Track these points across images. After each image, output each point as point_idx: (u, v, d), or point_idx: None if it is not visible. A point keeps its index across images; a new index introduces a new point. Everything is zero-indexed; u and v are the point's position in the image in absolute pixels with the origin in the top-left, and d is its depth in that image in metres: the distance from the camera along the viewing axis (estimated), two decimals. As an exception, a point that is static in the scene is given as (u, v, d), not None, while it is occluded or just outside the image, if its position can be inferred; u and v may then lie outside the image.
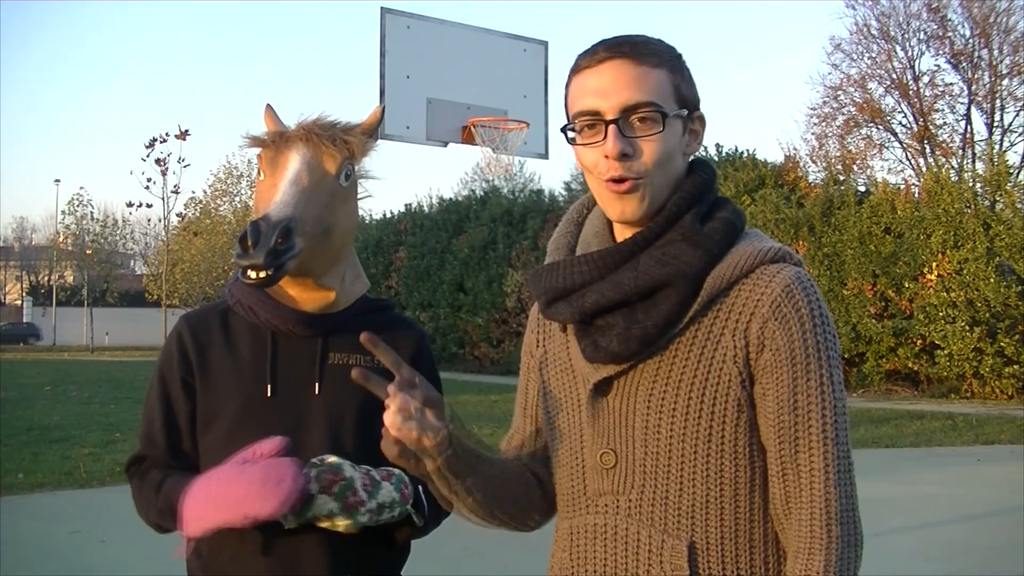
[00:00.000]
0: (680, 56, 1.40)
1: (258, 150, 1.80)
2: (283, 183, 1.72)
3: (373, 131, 1.88)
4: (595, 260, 1.37)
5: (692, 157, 1.44)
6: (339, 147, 1.77)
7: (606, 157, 1.34)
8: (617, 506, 1.37)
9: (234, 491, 1.60)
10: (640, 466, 1.35)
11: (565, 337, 1.47)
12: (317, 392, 1.78)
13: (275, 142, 1.77)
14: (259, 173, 1.81)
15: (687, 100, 1.38)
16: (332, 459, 1.65)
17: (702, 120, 1.43)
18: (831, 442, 1.29)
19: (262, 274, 1.63)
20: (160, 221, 12.49)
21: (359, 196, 1.87)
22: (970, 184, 19.77)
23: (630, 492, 1.36)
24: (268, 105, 1.90)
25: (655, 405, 1.34)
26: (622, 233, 1.42)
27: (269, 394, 1.77)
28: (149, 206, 13.30)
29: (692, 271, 1.32)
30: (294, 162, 1.74)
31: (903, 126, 28.55)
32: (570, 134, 1.39)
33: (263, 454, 1.63)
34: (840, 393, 1.32)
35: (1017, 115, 27.42)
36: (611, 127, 1.33)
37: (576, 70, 1.38)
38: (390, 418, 1.29)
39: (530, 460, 1.52)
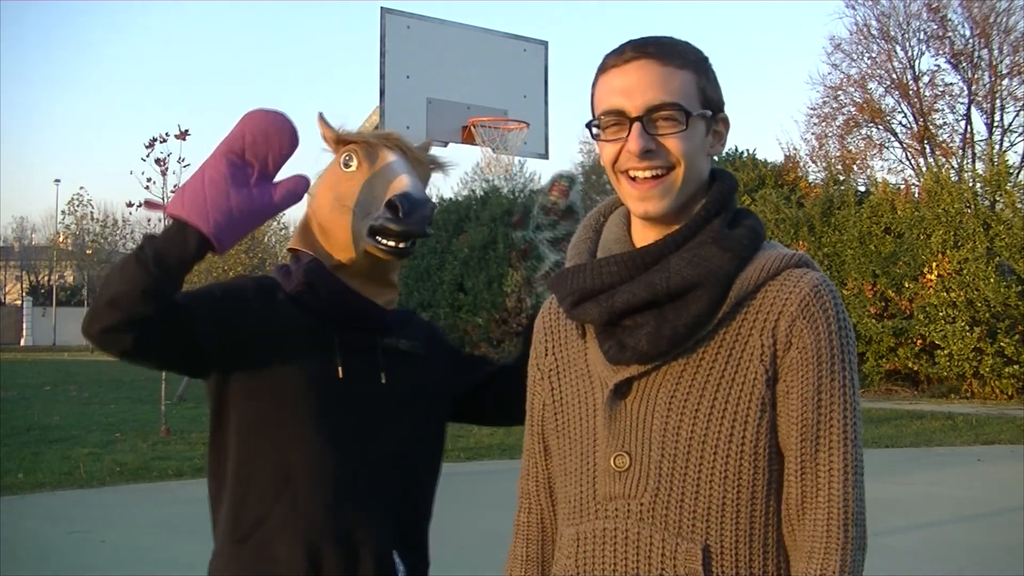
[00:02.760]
0: (706, 59, 1.42)
1: (334, 142, 1.87)
2: (407, 175, 1.77)
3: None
4: (624, 261, 1.38)
5: (712, 165, 1.45)
6: (425, 165, 1.90)
7: (628, 152, 1.35)
8: (628, 510, 1.36)
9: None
10: (655, 468, 1.34)
11: (583, 343, 1.46)
12: (383, 380, 1.82)
13: (369, 143, 1.84)
14: (343, 164, 1.83)
15: (712, 102, 1.40)
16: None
17: (726, 122, 1.44)
18: (850, 443, 1.31)
19: (403, 244, 1.74)
20: (160, 221, 12.44)
21: None
22: (970, 184, 19.76)
23: (643, 495, 1.35)
24: (320, 113, 1.91)
25: (676, 406, 1.35)
26: (642, 239, 1.42)
27: (340, 375, 1.77)
28: (149, 206, 13.27)
29: (722, 272, 1.34)
30: (402, 162, 1.81)
31: (903, 126, 28.58)
32: (595, 130, 1.40)
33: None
34: (858, 397, 1.34)
35: (1017, 115, 27.44)
36: (635, 125, 1.34)
37: (603, 69, 1.39)
38: None
39: (550, 517, 1.54)
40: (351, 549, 1.72)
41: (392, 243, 1.73)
